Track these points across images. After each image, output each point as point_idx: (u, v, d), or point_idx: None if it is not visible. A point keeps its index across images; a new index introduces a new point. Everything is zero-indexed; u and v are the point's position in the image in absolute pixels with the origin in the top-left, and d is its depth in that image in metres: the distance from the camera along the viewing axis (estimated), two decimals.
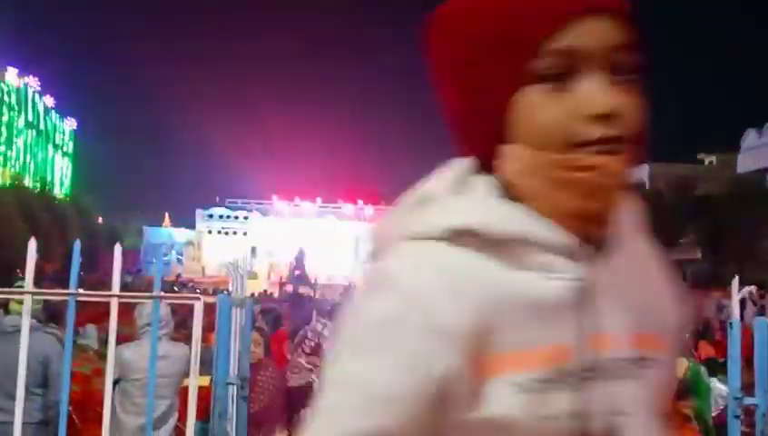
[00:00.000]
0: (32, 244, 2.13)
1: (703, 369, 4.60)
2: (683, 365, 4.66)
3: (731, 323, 2.74)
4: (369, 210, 40.16)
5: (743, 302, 2.78)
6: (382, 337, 0.68)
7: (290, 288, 28.55)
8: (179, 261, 36.31)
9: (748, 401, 2.69)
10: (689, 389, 4.46)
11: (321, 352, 5.99)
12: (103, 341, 9.65)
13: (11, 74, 34.43)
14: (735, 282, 2.73)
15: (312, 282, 29.57)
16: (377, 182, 48.89)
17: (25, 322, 2.20)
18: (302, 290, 27.07)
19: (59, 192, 39.87)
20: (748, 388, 2.84)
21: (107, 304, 2.27)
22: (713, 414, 5.26)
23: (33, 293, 2.15)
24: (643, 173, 41.01)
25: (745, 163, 38.82)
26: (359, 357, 0.69)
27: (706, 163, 46.02)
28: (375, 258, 0.77)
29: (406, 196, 0.76)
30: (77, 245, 2.21)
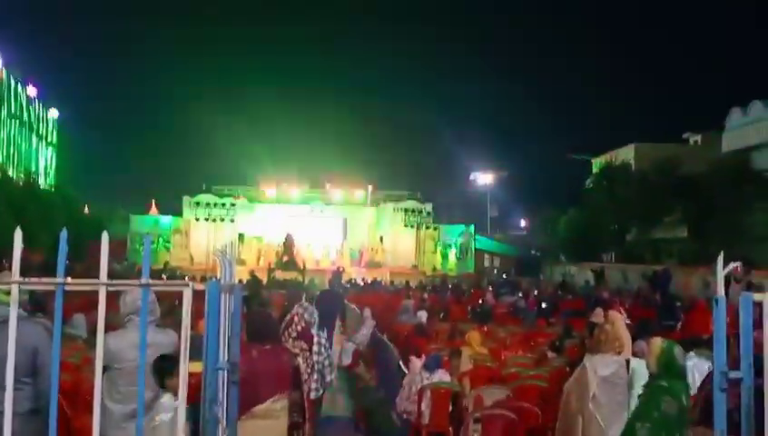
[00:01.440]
0: (18, 234, 2.12)
1: (677, 348, 4.48)
2: (657, 345, 4.53)
3: (716, 300, 2.76)
4: (358, 194, 40.08)
5: (727, 279, 2.79)
6: None
7: (278, 274, 28.52)
8: (166, 248, 36.15)
9: (733, 374, 2.71)
10: (664, 369, 4.35)
11: (308, 337, 5.99)
12: (92, 331, 9.65)
13: None
14: (720, 259, 2.75)
15: (301, 267, 29.59)
16: (364, 166, 48.61)
17: (13, 313, 2.20)
18: (290, 275, 27.06)
19: (44, 182, 39.53)
20: (731, 364, 2.88)
21: (95, 293, 2.26)
22: (692, 394, 5.12)
23: (20, 283, 2.15)
24: (628, 153, 41.16)
25: (730, 142, 39.04)
26: None
27: (691, 142, 46.21)
28: None
29: None
30: (64, 234, 2.20)
